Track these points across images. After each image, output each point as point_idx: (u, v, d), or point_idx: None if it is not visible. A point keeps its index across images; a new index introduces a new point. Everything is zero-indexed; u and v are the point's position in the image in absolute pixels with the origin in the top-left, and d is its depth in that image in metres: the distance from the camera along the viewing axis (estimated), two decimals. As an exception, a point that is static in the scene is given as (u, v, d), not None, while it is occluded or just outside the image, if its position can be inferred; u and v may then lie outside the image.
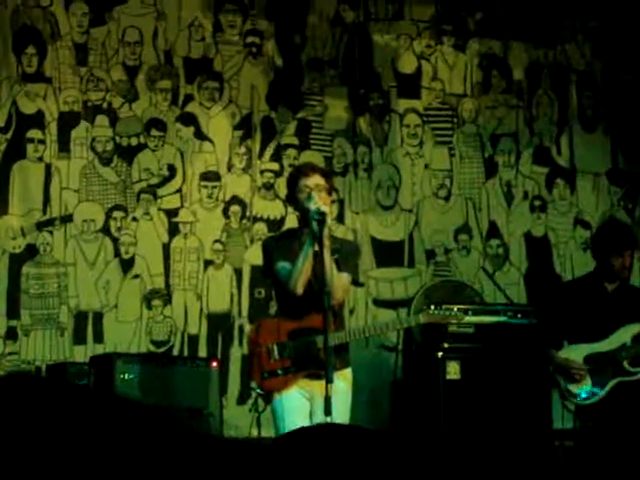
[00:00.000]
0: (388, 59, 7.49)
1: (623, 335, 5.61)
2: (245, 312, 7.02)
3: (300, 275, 4.69)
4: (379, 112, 7.43)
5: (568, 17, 7.69)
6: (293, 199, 4.83)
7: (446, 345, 6.22)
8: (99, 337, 6.79)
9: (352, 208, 7.31)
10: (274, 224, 7.04)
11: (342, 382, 4.77)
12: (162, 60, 7.10)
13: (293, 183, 4.80)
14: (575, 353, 5.64)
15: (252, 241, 7.03)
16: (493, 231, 7.49)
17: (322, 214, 4.54)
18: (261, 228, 7.08)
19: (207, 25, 7.19)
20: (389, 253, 7.36)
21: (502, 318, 6.37)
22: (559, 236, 7.57)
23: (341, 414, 4.70)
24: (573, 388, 5.63)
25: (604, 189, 7.69)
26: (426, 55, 7.55)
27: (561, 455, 6.11)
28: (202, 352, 6.92)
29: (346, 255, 4.87)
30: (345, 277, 4.81)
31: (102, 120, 6.95)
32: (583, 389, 5.60)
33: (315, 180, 4.73)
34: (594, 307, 5.68)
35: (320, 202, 4.63)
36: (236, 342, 6.95)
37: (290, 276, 4.73)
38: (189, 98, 7.11)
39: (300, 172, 4.84)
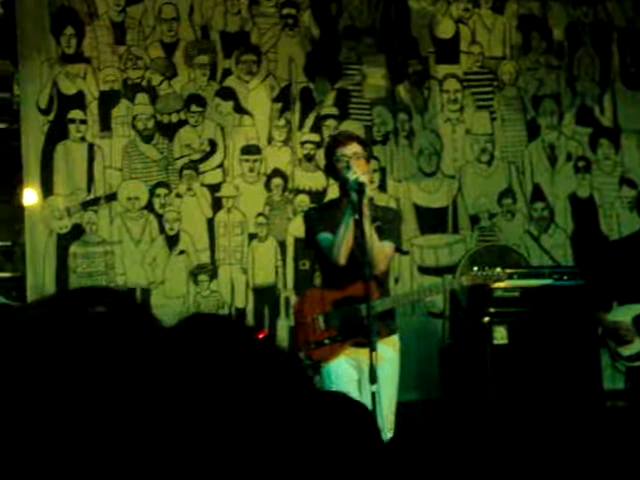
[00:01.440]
0: (425, 25, 7.42)
1: (672, 294, 5.56)
2: (290, 284, 7.05)
3: (342, 245, 4.70)
4: (418, 79, 7.38)
5: (607, -27, 7.58)
6: (332, 169, 4.83)
7: (492, 310, 6.20)
8: (147, 313, 6.86)
9: (394, 176, 7.29)
10: (316, 195, 7.04)
11: (389, 349, 4.79)
12: (199, 36, 7.11)
13: (330, 153, 4.80)
14: (624, 314, 5.60)
15: (295, 213, 7.05)
16: (537, 194, 7.43)
17: (361, 184, 4.54)
18: (303, 200, 7.09)
19: (243, -2, 7.19)
20: (433, 220, 7.33)
21: (548, 281, 6.33)
22: (604, 196, 7.49)
23: (389, 381, 4.72)
24: (623, 350, 5.60)
25: (649, 147, 7.59)
26: (464, 19, 7.48)
27: (613, 416, 6.07)
28: (250, 325, 6.96)
29: (387, 223, 4.88)
30: (387, 245, 4.82)
31: (142, 98, 6.99)
32: (632, 351, 5.56)
33: (352, 148, 4.73)
34: (642, 267, 5.63)
35: (359, 171, 4.62)
36: (283, 314, 6.99)
37: (332, 247, 4.75)
38: (227, 72, 7.12)
39: (336, 141, 4.84)
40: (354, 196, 4.59)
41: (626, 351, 5.58)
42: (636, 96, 7.64)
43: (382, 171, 7.23)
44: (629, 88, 7.63)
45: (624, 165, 7.54)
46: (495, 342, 6.16)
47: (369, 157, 4.95)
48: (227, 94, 7.10)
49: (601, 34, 7.59)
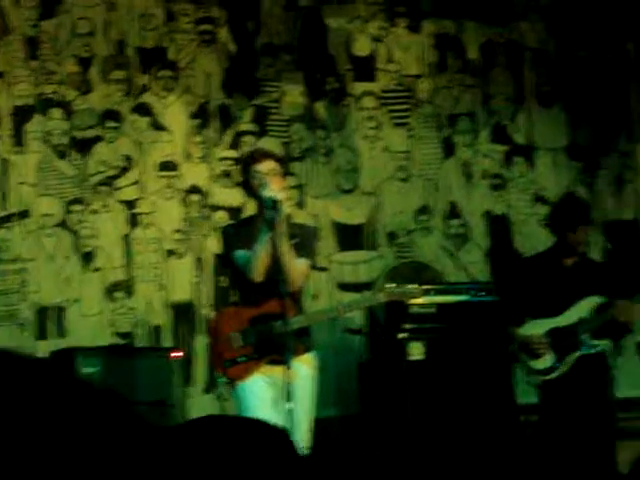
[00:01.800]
0: (342, 42, 7.48)
1: (582, 309, 5.66)
2: (208, 301, 7.02)
3: (258, 262, 4.69)
4: (336, 96, 7.42)
5: (520, -5, 7.72)
6: (248, 186, 4.82)
7: (408, 326, 6.24)
8: (62, 332, 6.76)
9: (312, 193, 7.31)
10: (234, 212, 7.02)
11: (305, 367, 4.78)
12: (115, 51, 7.06)
13: (246, 170, 4.80)
14: (536, 329, 5.69)
15: (213, 229, 7.01)
16: (453, 211, 7.52)
17: (276, 202, 4.54)
18: (221, 216, 7.07)
19: (159, 14, 7.15)
20: (351, 236, 7.37)
21: (464, 297, 6.40)
22: (519, 213, 7.61)
23: (305, 398, 4.72)
24: (535, 364, 5.67)
25: (563, 165, 7.73)
26: (381, 37, 7.55)
27: (527, 430, 6.14)
28: (167, 342, 6.90)
29: (304, 240, 4.88)
30: (303, 263, 4.82)
31: (56, 113, 6.90)
32: (545, 364, 5.64)
33: (268, 165, 4.73)
34: (553, 282, 5.72)
35: (275, 188, 4.62)
36: (200, 331, 6.94)
37: (248, 263, 4.73)
38: (144, 88, 7.07)
39: (252, 158, 4.84)
40: (270, 213, 4.59)
41: (539, 365, 5.66)
42: (550, 114, 7.78)
43: (300, 188, 7.25)
44: (543, 106, 7.77)
45: (538, 183, 7.67)
46: (411, 358, 6.20)
47: (286, 174, 4.95)
48: (143, 110, 7.05)
49: (515, 54, 7.73)
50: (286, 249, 4.64)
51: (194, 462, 1.26)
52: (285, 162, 5.06)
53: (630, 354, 7.45)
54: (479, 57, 7.67)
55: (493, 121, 7.67)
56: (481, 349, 6.23)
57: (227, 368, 4.82)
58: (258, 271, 4.70)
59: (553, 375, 5.65)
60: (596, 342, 5.63)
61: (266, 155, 4.84)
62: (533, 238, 7.49)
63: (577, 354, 5.63)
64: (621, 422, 5.89)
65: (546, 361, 5.66)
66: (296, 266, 4.72)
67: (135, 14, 7.10)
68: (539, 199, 7.63)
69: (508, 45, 7.71)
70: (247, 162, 4.87)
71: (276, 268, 4.58)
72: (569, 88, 7.76)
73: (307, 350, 4.85)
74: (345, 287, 7.27)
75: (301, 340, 4.75)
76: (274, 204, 4.55)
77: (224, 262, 5.10)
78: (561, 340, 5.62)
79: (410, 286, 5.12)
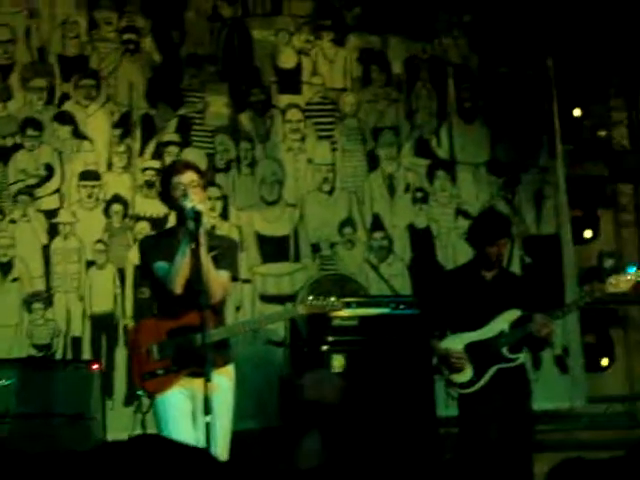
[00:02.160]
0: (268, 54, 7.50)
1: (501, 322, 5.71)
2: (129, 312, 6.95)
3: (178, 274, 4.65)
4: (260, 108, 7.44)
5: (444, 11, 7.82)
6: (167, 197, 4.78)
7: (331, 338, 6.26)
8: (-22, 343, 6.64)
9: (236, 204, 7.30)
10: (157, 222, 6.98)
11: (224, 379, 4.76)
12: (36, 58, 6.97)
13: (166, 181, 4.76)
14: (456, 342, 5.73)
15: (135, 240, 6.96)
16: (377, 223, 7.57)
17: (197, 213, 4.52)
18: (144, 227, 7.02)
19: (82, 22, 7.09)
20: (275, 248, 7.37)
21: (385, 310, 6.44)
22: (441, 227, 7.69)
23: (224, 411, 4.69)
24: (455, 377, 5.71)
25: (484, 180, 7.84)
26: (306, 50, 7.59)
27: (446, 442, 6.19)
28: (86, 354, 6.82)
29: (224, 252, 4.86)
30: (224, 275, 4.79)
31: (-25, 121, 6.80)
32: (464, 377, 5.68)
33: (189, 177, 4.70)
34: (473, 295, 5.77)
35: (196, 200, 4.60)
36: (121, 343, 6.88)
37: (168, 275, 4.69)
38: (65, 97, 7.01)
39: (173, 169, 4.80)
40: (191, 224, 4.56)
41: (458, 378, 5.70)
42: (471, 129, 7.89)
43: (224, 199, 7.23)
44: (465, 122, 7.88)
45: (460, 197, 7.76)
46: (334, 370, 6.21)
47: (208, 185, 4.94)
48: (65, 118, 6.98)
49: (438, 69, 7.83)
50: (206, 261, 4.61)
51: None
52: (206, 174, 5.04)
53: (548, 367, 7.57)
54: (403, 72, 7.76)
55: (416, 135, 7.75)
56: (402, 362, 6.27)
57: (145, 381, 4.76)
58: (178, 283, 4.66)
59: (472, 388, 5.69)
60: (515, 355, 5.68)
61: (187, 166, 4.81)
62: (455, 251, 7.57)
63: (496, 367, 5.68)
64: (538, 434, 5.96)
65: (465, 374, 5.70)
66: (216, 278, 4.69)
67: (57, 22, 7.03)
68: (461, 213, 7.73)
69: (431, 60, 7.81)
70: (168, 173, 4.83)
71: (196, 280, 4.55)
72: (490, 104, 7.88)
73: (226, 362, 4.82)
74: (268, 299, 7.27)
75: (220, 352, 4.72)
76: (195, 215, 4.52)
77: (143, 274, 5.04)
78: (480, 353, 5.66)
79: (331, 299, 5.13)
